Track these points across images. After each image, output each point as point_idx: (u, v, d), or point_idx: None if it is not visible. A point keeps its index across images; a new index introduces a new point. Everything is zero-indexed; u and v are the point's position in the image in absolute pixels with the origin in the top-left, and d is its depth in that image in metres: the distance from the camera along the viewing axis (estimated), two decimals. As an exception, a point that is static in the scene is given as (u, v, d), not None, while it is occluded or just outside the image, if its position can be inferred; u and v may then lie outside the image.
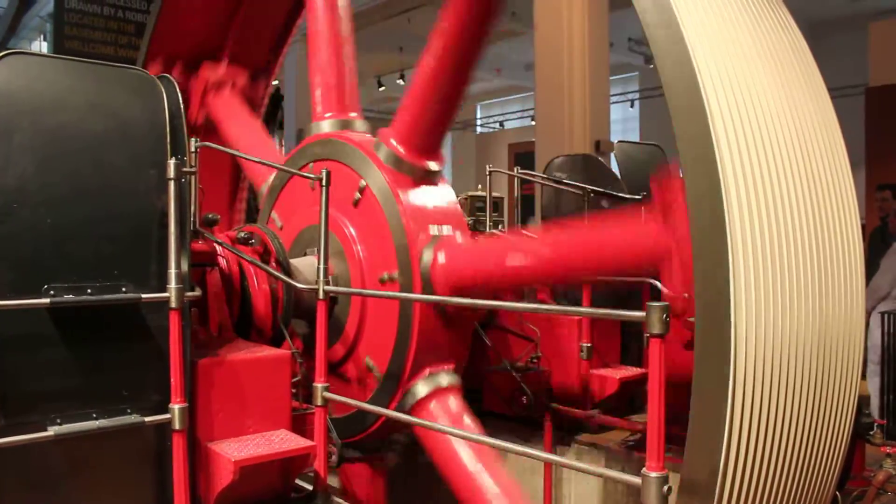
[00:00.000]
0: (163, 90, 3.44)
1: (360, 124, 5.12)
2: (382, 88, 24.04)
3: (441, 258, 4.26)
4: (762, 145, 2.69)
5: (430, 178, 4.59)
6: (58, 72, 3.27)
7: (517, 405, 5.50)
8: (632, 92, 24.31)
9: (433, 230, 4.40)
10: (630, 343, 6.20)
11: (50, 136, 3.13)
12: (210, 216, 4.13)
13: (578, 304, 5.67)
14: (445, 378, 4.45)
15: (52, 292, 3.04)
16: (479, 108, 29.74)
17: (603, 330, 5.85)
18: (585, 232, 4.35)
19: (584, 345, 5.56)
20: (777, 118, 2.81)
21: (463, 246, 4.44)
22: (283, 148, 15.14)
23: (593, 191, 5.77)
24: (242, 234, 4.31)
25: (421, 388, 4.37)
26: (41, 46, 27.41)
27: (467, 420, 4.35)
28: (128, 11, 15.21)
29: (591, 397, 5.69)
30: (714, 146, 2.56)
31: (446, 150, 28.14)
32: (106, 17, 15.13)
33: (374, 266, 4.48)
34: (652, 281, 5.40)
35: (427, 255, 4.28)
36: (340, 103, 5.15)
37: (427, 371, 4.40)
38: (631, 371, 5.88)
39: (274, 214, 5.33)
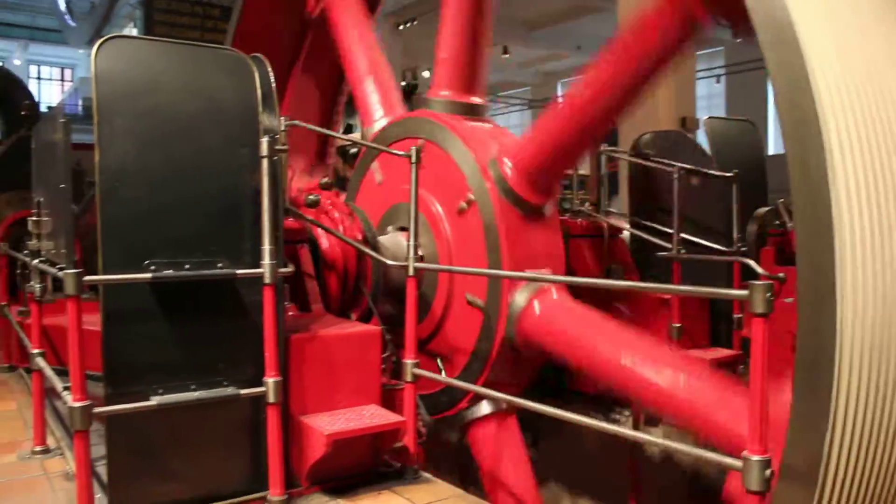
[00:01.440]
0: (255, 69, 3.49)
1: (481, 109, 4.94)
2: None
3: (536, 308, 4.21)
4: (873, 129, 2.53)
5: (539, 215, 4.47)
6: (154, 54, 3.35)
7: (602, 384, 5.42)
8: (717, 67, 23.58)
9: (531, 272, 4.32)
10: (720, 324, 6.04)
11: (148, 118, 3.22)
12: (312, 197, 4.21)
13: (668, 283, 5.53)
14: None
15: (153, 268, 3.14)
16: (559, 85, 29.38)
17: (692, 310, 5.70)
18: (685, 366, 3.77)
19: (674, 325, 5.43)
20: (890, 97, 2.64)
21: (559, 305, 4.28)
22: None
23: (683, 168, 5.60)
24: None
25: (485, 406, 4.54)
26: (132, 33, 28.36)
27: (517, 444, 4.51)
28: (213, -4, 15.65)
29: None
30: (822, 129, 2.44)
31: (525, 126, 28.00)
32: (192, 3, 15.64)
33: (464, 276, 4.49)
34: (745, 259, 5.25)
35: (520, 299, 4.23)
36: (463, 82, 4.92)
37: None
38: (721, 352, 5.73)
39: (375, 165, 5.27)
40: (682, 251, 5.52)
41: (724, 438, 3.26)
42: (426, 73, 21.38)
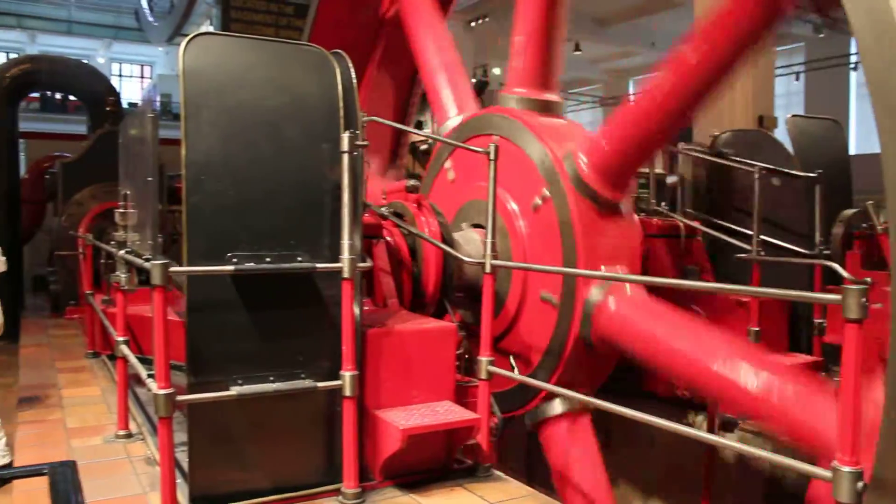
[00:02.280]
0: (336, 65, 3.52)
1: (556, 106, 4.89)
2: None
3: (611, 305, 4.16)
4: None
5: (614, 211, 4.42)
6: (239, 51, 3.42)
7: (678, 388, 5.33)
8: (797, 64, 22.88)
9: (606, 271, 4.29)
10: (799, 329, 5.87)
11: (232, 113, 3.28)
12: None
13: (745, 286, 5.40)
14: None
15: (235, 260, 3.20)
16: (631, 82, 28.93)
17: (770, 314, 5.55)
18: (770, 367, 3.66)
19: (752, 329, 5.29)
20: None
21: (634, 301, 4.22)
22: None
23: (764, 168, 5.45)
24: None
25: (558, 405, 4.51)
26: (208, 30, 29.04)
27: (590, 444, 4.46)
28: (287, -6, 15.95)
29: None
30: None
31: (597, 123, 27.61)
32: (267, 1, 15.92)
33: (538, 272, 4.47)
34: (828, 263, 5.09)
35: (595, 295, 4.20)
36: (538, 80, 4.86)
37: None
38: (801, 358, 5.56)
39: (448, 164, 5.30)
40: (762, 253, 5.37)
41: (813, 443, 3.18)
42: (497, 70, 21.33)
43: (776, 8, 3.44)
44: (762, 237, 5.45)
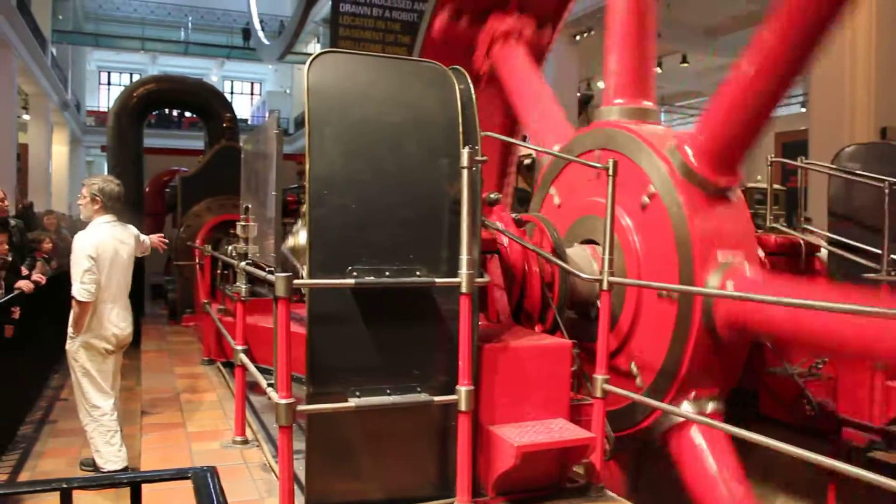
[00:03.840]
0: (455, 81, 3.55)
1: (653, 114, 4.87)
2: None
3: (730, 289, 3.98)
4: None
5: (724, 197, 4.27)
6: (361, 68, 3.49)
7: (799, 413, 5.09)
8: (922, 73, 21.64)
9: (722, 256, 4.12)
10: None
11: (355, 129, 3.34)
12: (492, 196, 4.20)
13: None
14: (710, 404, 4.25)
15: (355, 273, 3.25)
16: (739, 95, 28.04)
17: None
18: None
19: (881, 353, 5.00)
20: None
21: (755, 282, 4.02)
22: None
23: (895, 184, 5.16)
24: (519, 220, 4.39)
25: (686, 409, 4.19)
26: (315, 48, 29.99)
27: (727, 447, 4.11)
28: (394, 11, 16.28)
29: (885, 411, 5.11)
30: None
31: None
32: (375, 18, 16.30)
33: (652, 268, 4.35)
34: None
35: (713, 282, 4.04)
36: (634, 90, 4.91)
37: (693, 394, 4.22)
38: (932, 391, 5.21)
39: (553, 190, 5.29)
40: (893, 273, 5.08)
41: None
42: (602, 84, 21.09)
43: None
44: (893, 256, 5.16)
